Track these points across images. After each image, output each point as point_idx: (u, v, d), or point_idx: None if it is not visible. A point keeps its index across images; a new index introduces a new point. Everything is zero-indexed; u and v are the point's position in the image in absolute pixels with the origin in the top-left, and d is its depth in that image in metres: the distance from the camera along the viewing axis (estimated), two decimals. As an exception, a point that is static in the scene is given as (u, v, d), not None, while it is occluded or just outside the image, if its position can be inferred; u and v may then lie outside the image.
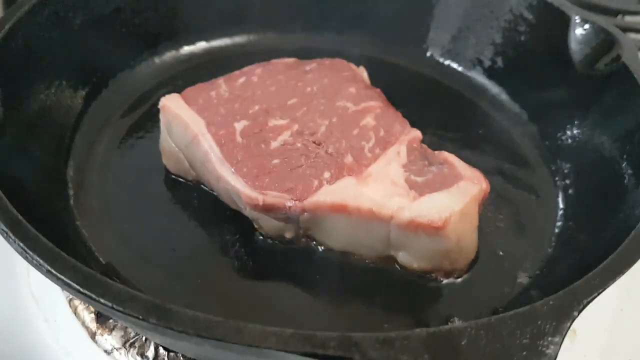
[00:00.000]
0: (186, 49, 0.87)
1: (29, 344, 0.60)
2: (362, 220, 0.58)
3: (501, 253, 0.64)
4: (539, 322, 0.41)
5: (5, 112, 0.61)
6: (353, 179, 0.60)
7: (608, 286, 0.45)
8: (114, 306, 0.40)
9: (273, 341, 0.39)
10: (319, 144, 0.64)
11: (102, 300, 0.41)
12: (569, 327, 0.42)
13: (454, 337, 0.39)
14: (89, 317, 0.60)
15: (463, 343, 0.39)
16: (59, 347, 0.59)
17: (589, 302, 0.43)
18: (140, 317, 0.40)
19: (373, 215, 0.58)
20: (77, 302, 0.61)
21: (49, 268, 0.43)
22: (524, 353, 0.39)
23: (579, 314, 0.43)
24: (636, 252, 0.48)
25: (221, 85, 0.70)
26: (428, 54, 0.88)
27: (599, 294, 0.44)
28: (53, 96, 0.71)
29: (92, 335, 0.59)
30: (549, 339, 0.40)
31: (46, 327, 0.61)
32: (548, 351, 0.40)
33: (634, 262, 0.47)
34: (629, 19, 1.05)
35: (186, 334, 0.39)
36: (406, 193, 0.59)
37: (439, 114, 0.81)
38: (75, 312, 0.61)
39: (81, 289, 0.41)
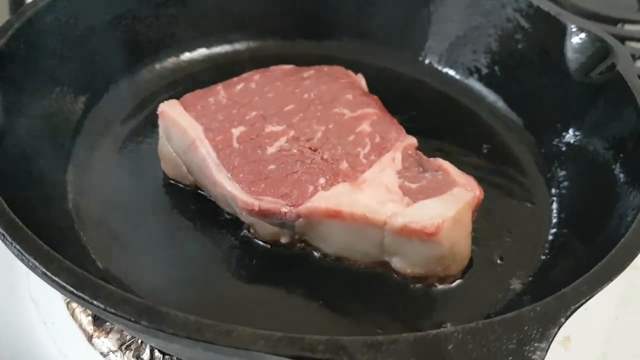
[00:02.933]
0: (187, 55, 0.88)
1: (27, 346, 0.61)
2: (356, 226, 0.59)
3: (495, 259, 0.64)
4: (526, 328, 0.41)
5: (6, 117, 0.62)
6: (348, 185, 0.61)
7: (596, 293, 0.45)
8: (107, 308, 0.41)
9: (262, 344, 0.39)
10: (314, 150, 0.64)
11: (95, 302, 0.41)
12: (556, 333, 0.42)
13: (441, 341, 0.40)
14: (86, 320, 0.61)
15: (450, 348, 0.40)
16: (56, 349, 0.60)
17: (576, 309, 0.44)
18: (132, 319, 0.40)
19: (367, 221, 0.58)
20: (74, 305, 0.62)
21: (44, 270, 0.43)
22: (510, 358, 0.40)
23: (566, 320, 0.43)
24: (625, 259, 0.48)
25: (220, 92, 0.71)
26: (426, 61, 0.89)
27: (586, 301, 0.44)
28: (54, 101, 0.71)
29: (89, 338, 0.60)
30: (535, 344, 0.40)
31: (44, 329, 0.62)
32: (534, 357, 0.40)
33: (622, 269, 0.47)
34: (629, 27, 1.06)
35: (177, 337, 0.40)
36: (400, 199, 0.60)
37: (436, 120, 0.82)
38: (73, 315, 0.62)
39: (75, 291, 0.42)
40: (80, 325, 0.61)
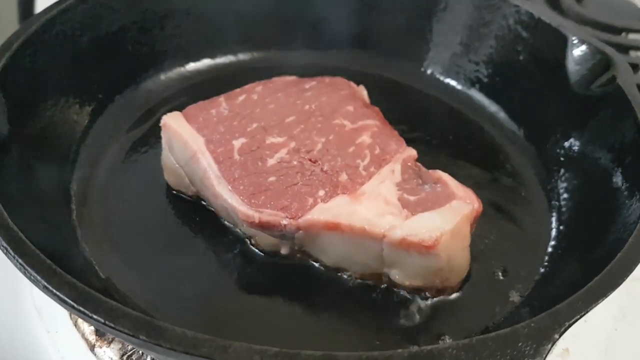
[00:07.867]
0: (191, 66, 0.89)
1: (30, 354, 0.62)
2: (355, 238, 0.60)
3: (494, 272, 0.65)
4: (520, 344, 0.42)
5: (11, 128, 0.63)
6: (347, 197, 0.61)
7: (591, 309, 0.45)
8: (106, 322, 0.42)
9: (258, 359, 0.40)
10: (314, 162, 0.65)
11: (95, 317, 0.42)
12: (550, 350, 0.42)
13: (435, 357, 0.40)
14: (88, 330, 0.61)
15: (443, 364, 0.40)
16: (59, 358, 0.61)
17: (570, 325, 0.44)
18: (131, 333, 0.41)
19: (365, 233, 0.59)
20: (77, 314, 0.63)
21: (46, 284, 0.44)
22: (503, 374, 0.40)
23: (560, 336, 0.43)
24: (620, 275, 0.48)
25: (221, 103, 0.72)
26: (428, 71, 0.90)
27: (581, 317, 0.45)
28: (59, 112, 0.72)
29: (92, 347, 0.61)
30: (529, 361, 0.41)
31: (47, 338, 0.63)
32: (527, 373, 0.40)
33: (617, 285, 0.47)
34: (632, 36, 1.06)
35: (174, 351, 0.40)
36: (399, 212, 0.60)
37: (437, 131, 0.82)
38: (75, 324, 0.62)
39: (75, 305, 0.43)
40: (83, 335, 0.61)
